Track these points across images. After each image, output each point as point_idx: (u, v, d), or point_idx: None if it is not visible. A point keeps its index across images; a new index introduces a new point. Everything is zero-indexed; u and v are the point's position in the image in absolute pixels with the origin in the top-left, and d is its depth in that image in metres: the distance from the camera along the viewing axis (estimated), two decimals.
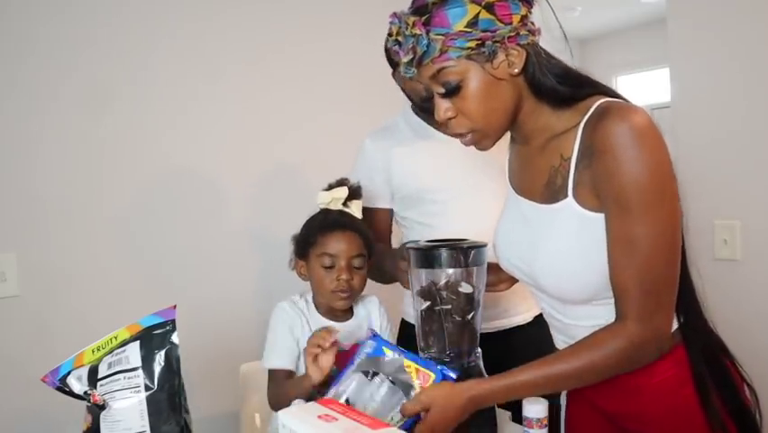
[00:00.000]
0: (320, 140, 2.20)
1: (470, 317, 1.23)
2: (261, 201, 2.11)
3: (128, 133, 1.92)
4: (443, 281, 1.21)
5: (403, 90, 1.62)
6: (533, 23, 1.06)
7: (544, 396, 1.16)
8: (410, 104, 1.67)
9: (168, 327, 1.05)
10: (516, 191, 1.19)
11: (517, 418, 1.24)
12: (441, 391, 1.08)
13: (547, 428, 1.14)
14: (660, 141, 0.97)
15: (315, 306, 1.46)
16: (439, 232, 1.52)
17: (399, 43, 1.02)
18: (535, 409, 1.14)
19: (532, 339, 1.52)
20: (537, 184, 1.10)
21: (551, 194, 1.06)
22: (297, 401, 1.16)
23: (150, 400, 1.01)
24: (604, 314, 1.06)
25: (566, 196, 1.03)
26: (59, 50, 1.81)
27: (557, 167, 1.05)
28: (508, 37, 1.01)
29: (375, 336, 1.23)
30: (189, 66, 2.00)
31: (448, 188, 1.59)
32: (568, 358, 1.04)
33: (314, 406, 0.97)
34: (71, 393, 1.06)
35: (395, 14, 1.03)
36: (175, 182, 1.99)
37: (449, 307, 1.21)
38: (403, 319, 1.71)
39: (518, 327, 1.63)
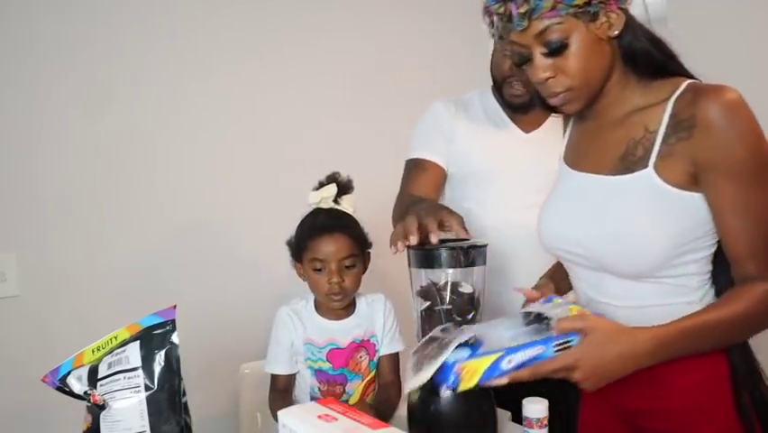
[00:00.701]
0: (321, 140, 2.20)
1: (470, 316, 1.23)
2: (261, 201, 2.11)
3: (127, 132, 1.92)
4: (443, 281, 1.21)
5: (491, 67, 1.61)
6: None
7: (549, 396, 1.16)
8: (490, 86, 1.66)
9: (168, 327, 1.05)
10: (573, 167, 1.21)
11: (517, 418, 1.24)
12: (608, 325, 1.02)
13: (547, 428, 1.15)
14: (753, 114, 1.03)
15: (317, 306, 1.48)
16: (474, 220, 1.50)
17: None
18: (535, 409, 1.14)
19: None
20: (608, 157, 1.11)
21: (626, 165, 1.08)
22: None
23: (150, 400, 1.02)
24: (648, 294, 1.08)
25: (645, 167, 1.05)
26: (58, 50, 1.81)
27: (638, 139, 1.07)
28: None
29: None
30: (188, 66, 2.00)
31: (502, 178, 1.57)
32: (728, 303, 1.04)
33: (314, 406, 0.97)
34: (71, 393, 1.06)
35: None
36: (174, 182, 1.99)
37: (449, 307, 1.21)
38: None
39: None
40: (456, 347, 0.98)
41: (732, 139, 1.00)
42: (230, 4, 2.08)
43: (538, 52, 1.06)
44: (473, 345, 0.98)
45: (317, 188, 1.45)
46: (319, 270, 1.42)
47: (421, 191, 1.52)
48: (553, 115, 1.54)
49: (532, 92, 1.52)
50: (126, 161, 1.91)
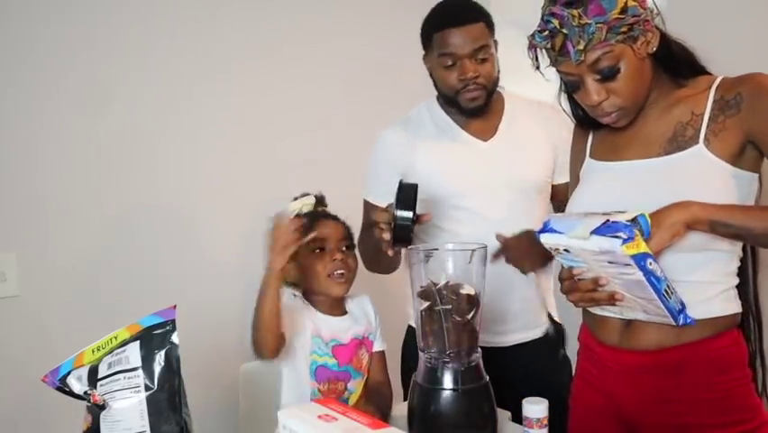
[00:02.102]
0: (321, 141, 2.19)
1: (470, 316, 1.23)
2: (261, 201, 2.10)
3: (127, 132, 1.92)
4: (443, 282, 1.22)
5: (434, 83, 1.58)
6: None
7: (550, 396, 1.17)
8: (435, 96, 1.62)
9: (168, 327, 1.05)
10: (609, 159, 1.26)
11: (517, 418, 1.24)
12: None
13: (547, 428, 1.15)
14: None
15: (312, 303, 1.46)
16: (459, 239, 1.48)
17: (565, 35, 1.11)
18: (535, 409, 1.14)
19: (541, 355, 1.54)
20: (656, 142, 1.19)
21: (676, 145, 1.17)
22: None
23: (150, 400, 1.02)
24: (703, 264, 1.13)
25: (697, 143, 1.13)
26: (58, 51, 1.81)
27: (686, 122, 1.16)
28: (646, 20, 1.12)
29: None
30: (188, 66, 2.00)
31: (474, 194, 1.53)
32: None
33: (314, 406, 0.97)
34: (71, 393, 1.06)
35: (552, 13, 1.12)
36: (174, 182, 1.99)
37: (449, 307, 1.21)
38: (409, 326, 1.66)
39: (531, 341, 1.58)
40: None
41: None
42: (230, 4, 2.08)
43: (591, 79, 1.14)
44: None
45: (295, 199, 1.47)
46: (319, 250, 1.42)
47: None
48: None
49: (488, 90, 1.53)
50: (126, 161, 1.91)
